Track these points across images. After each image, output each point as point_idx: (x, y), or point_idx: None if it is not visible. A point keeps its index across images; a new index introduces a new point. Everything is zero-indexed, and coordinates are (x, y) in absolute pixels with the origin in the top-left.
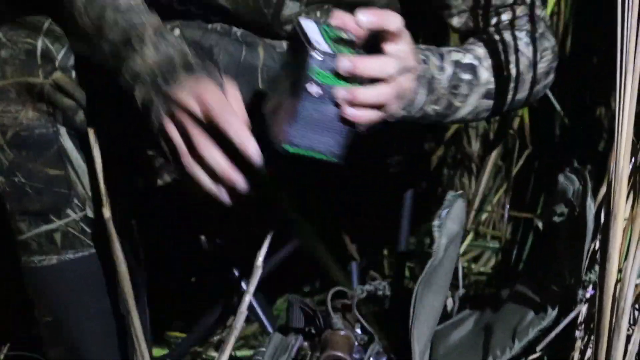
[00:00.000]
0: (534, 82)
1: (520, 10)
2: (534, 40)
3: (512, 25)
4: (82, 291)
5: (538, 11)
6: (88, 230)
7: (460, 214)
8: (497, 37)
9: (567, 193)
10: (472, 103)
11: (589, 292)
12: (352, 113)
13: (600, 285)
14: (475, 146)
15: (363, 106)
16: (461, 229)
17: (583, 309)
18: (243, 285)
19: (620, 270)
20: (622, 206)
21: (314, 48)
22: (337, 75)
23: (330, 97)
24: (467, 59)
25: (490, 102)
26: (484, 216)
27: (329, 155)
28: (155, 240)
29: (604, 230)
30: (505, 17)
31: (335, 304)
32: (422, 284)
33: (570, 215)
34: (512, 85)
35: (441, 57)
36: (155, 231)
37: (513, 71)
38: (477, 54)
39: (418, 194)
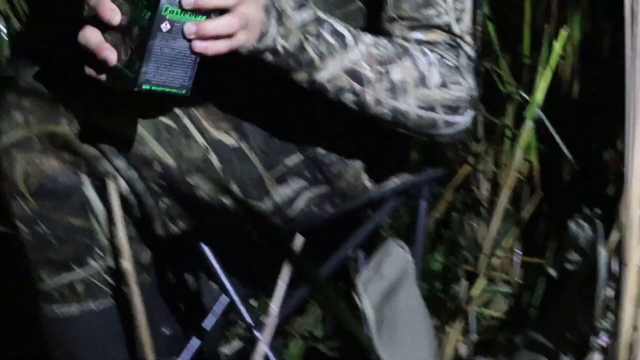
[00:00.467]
0: (424, 103)
1: (440, 36)
2: (442, 66)
3: (426, 43)
4: (102, 341)
5: (465, 48)
6: (110, 280)
7: (398, 258)
8: (400, 41)
9: (578, 240)
10: (330, 69)
11: (603, 339)
12: (201, 46)
13: (614, 333)
14: (485, 190)
15: (211, 38)
16: (407, 269)
17: (597, 357)
18: (257, 334)
19: (634, 318)
20: (634, 253)
21: None
22: (184, 9)
23: (180, 32)
24: (341, 28)
25: (354, 85)
26: (495, 261)
27: (180, 89)
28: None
29: (616, 278)
30: (422, 35)
31: None
32: (378, 343)
33: (582, 262)
34: (387, 85)
35: (298, 4)
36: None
37: (397, 74)
38: (359, 35)
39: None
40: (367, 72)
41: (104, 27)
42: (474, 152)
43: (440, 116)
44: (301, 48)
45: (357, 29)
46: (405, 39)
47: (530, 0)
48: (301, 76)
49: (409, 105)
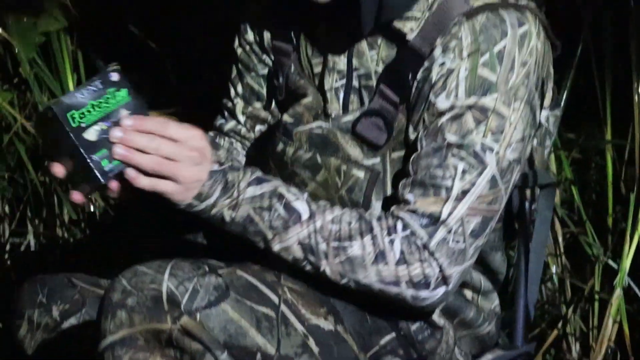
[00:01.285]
0: (385, 278)
1: (428, 207)
2: (408, 244)
3: (409, 212)
4: None
5: (441, 232)
6: None
7: None
8: (368, 217)
9: None
10: (282, 241)
11: None
12: (121, 153)
13: None
14: (576, 354)
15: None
16: None
17: None
18: None
19: None
20: None
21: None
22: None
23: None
24: (299, 204)
25: (309, 257)
26: None
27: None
28: None
29: None
30: (413, 197)
31: None
32: None
33: None
34: (344, 259)
35: (258, 180)
36: None
37: (355, 250)
38: (320, 211)
39: None
40: (322, 246)
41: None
42: (563, 316)
43: (404, 291)
44: (250, 220)
45: (325, 205)
46: (402, 196)
47: (612, 164)
48: (256, 243)
49: (369, 279)
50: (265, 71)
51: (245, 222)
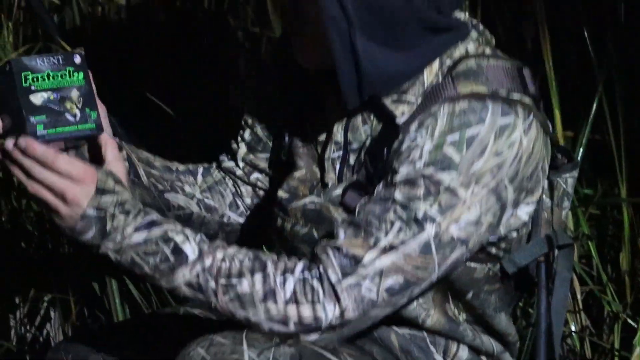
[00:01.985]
0: (274, 316)
1: (354, 249)
2: (303, 284)
3: (331, 248)
4: None
5: (348, 283)
6: None
7: None
8: (263, 257)
9: None
10: (169, 282)
11: None
12: (8, 145)
13: None
14: None
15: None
16: None
17: None
18: None
19: None
20: None
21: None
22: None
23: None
24: (187, 245)
25: (198, 295)
26: None
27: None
28: None
29: None
30: (342, 236)
31: None
32: None
33: None
34: (233, 297)
35: (149, 224)
36: None
37: (244, 288)
38: (211, 250)
39: None
40: (211, 283)
41: None
42: None
43: (291, 330)
44: (135, 264)
45: (219, 244)
46: (336, 229)
47: (629, 219)
48: (147, 281)
49: (258, 317)
50: (274, 128)
51: (132, 266)
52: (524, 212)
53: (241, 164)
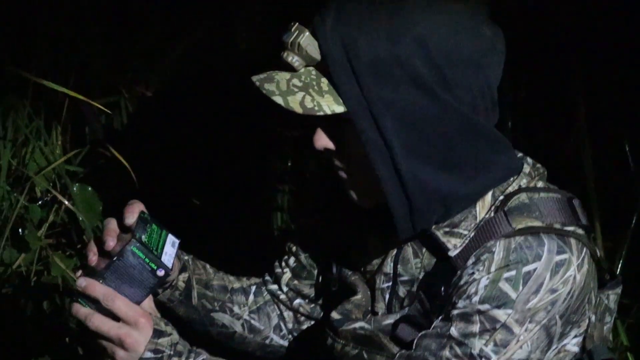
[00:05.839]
0: None
1: None
2: None
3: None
4: None
5: None
6: None
7: None
8: None
9: None
10: None
11: None
12: (81, 284)
13: None
14: None
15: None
16: None
17: None
18: None
19: None
20: None
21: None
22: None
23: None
24: None
25: None
26: None
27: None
28: None
29: None
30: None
31: None
32: None
33: None
34: None
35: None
36: None
37: None
38: None
39: None
40: None
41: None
42: None
43: None
44: None
45: None
46: None
47: None
48: None
49: None
50: (318, 258)
51: None
52: (573, 343)
53: (285, 289)
